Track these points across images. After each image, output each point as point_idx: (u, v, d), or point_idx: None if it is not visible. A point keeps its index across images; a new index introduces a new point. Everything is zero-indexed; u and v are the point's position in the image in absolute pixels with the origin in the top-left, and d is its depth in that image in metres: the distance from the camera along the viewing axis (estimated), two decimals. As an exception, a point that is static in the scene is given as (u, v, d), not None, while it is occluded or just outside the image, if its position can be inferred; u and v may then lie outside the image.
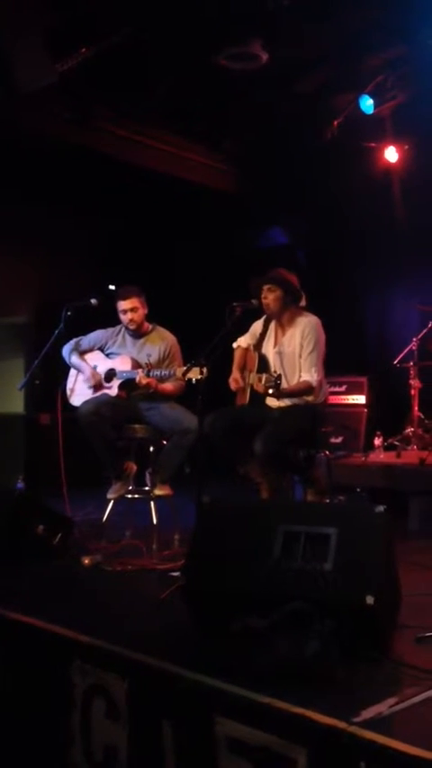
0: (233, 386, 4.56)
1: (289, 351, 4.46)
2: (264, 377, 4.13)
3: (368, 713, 2.04)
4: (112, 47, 5.31)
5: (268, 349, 4.57)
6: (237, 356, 4.69)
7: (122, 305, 4.72)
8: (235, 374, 4.59)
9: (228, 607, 2.58)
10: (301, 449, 4.46)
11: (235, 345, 4.71)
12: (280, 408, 4.43)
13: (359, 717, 2.01)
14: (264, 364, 4.49)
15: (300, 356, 4.40)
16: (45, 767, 2.70)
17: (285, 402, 4.44)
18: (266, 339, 4.61)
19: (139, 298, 4.75)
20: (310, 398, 4.41)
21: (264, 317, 4.65)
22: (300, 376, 4.39)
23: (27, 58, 5.17)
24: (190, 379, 3.91)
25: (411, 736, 1.89)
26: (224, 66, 5.59)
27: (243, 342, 4.70)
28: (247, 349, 4.69)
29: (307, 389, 4.36)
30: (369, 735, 1.91)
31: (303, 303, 4.53)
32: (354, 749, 1.91)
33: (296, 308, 4.51)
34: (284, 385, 4.24)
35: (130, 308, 4.71)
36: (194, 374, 3.83)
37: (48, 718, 2.69)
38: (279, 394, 4.20)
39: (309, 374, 4.35)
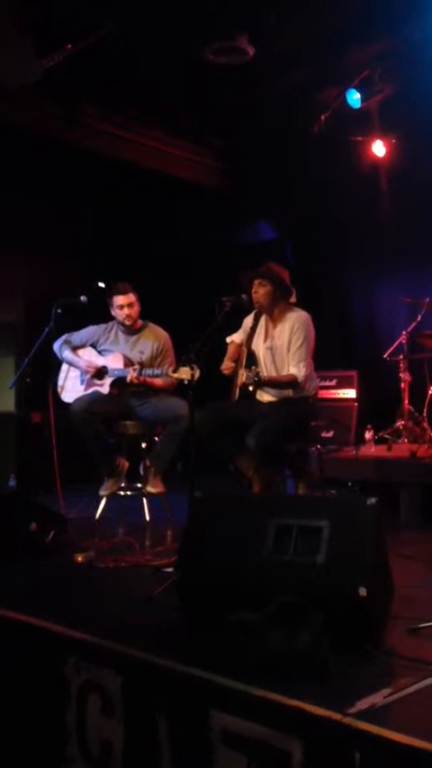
0: (225, 371, 4.55)
1: (279, 345, 4.47)
2: (245, 373, 4.17)
3: (362, 704, 2.04)
4: (97, 42, 5.29)
5: (258, 344, 4.57)
6: (230, 350, 4.68)
7: (120, 300, 4.70)
8: (227, 363, 4.59)
9: (221, 601, 2.58)
10: (293, 443, 4.47)
11: (228, 341, 4.70)
12: (271, 403, 4.44)
13: (353, 708, 2.02)
14: (252, 360, 4.49)
15: (288, 351, 4.41)
16: (42, 763, 2.70)
17: (276, 397, 4.45)
18: (257, 334, 4.61)
19: (135, 293, 4.75)
20: (298, 391, 4.42)
21: (254, 312, 4.66)
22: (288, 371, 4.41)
23: (12, 53, 5.16)
24: (182, 379, 3.90)
25: (406, 726, 1.90)
26: (210, 60, 5.59)
27: (237, 338, 4.70)
28: (240, 344, 4.69)
29: (291, 382, 4.38)
30: (364, 725, 1.91)
31: (293, 299, 4.54)
32: (348, 740, 1.92)
33: (286, 303, 4.52)
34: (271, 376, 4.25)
35: (127, 303, 4.71)
36: (185, 374, 3.81)
37: (44, 715, 2.69)
38: (260, 384, 4.22)
39: (296, 368, 4.37)
